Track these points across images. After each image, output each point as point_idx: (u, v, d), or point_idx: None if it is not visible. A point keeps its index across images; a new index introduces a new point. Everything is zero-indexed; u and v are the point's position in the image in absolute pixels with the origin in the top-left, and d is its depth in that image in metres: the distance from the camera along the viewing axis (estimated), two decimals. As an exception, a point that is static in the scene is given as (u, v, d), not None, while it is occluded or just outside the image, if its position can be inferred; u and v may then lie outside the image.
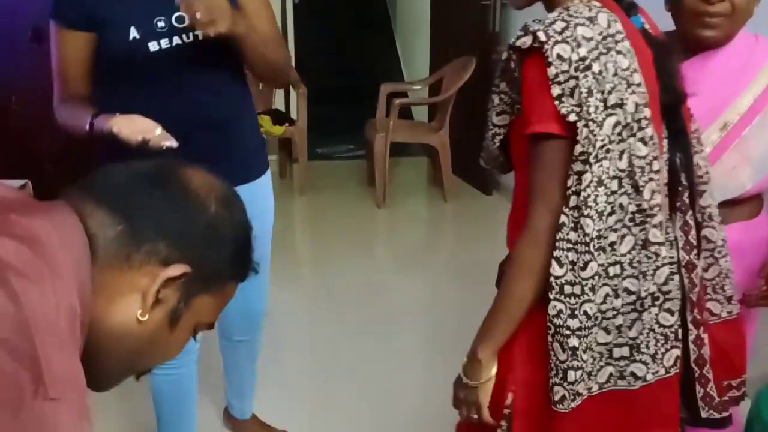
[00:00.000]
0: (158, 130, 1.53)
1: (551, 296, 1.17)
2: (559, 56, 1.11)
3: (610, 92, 1.13)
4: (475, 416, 1.30)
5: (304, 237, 4.50)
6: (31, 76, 2.89)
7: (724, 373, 1.37)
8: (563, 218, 1.15)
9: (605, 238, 1.17)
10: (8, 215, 0.71)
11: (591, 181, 1.13)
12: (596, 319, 1.19)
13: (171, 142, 1.51)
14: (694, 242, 1.29)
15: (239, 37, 1.61)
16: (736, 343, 1.42)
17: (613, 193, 1.16)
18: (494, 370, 1.26)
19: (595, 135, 1.12)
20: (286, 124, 4.68)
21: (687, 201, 1.28)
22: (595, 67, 1.12)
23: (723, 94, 1.53)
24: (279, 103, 5.03)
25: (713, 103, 1.51)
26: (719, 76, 1.53)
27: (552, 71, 1.11)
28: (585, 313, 1.17)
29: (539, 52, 1.12)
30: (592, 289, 1.17)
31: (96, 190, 0.81)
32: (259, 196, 1.92)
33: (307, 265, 3.94)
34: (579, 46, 1.11)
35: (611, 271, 1.18)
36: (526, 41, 1.13)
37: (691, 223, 1.29)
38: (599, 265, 1.17)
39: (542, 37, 1.11)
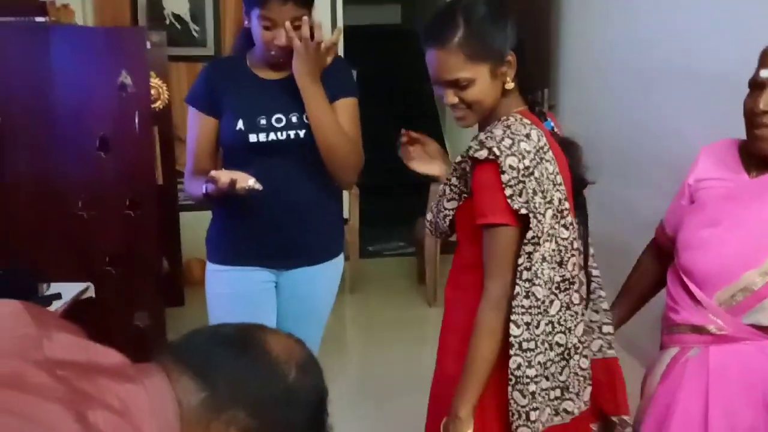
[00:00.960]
0: (251, 180, 1.84)
1: (512, 353, 1.44)
2: (510, 166, 1.42)
3: (546, 191, 1.46)
4: None
5: (354, 335, 4.48)
6: (96, 183, 3.03)
7: (610, 408, 1.66)
8: (517, 288, 1.45)
9: (544, 303, 1.48)
10: (101, 381, 0.75)
11: (538, 259, 1.45)
12: (543, 368, 1.48)
13: (256, 185, 1.84)
14: (584, 296, 1.60)
15: (306, 89, 1.96)
16: (612, 381, 1.66)
17: (552, 268, 1.48)
18: (471, 428, 1.47)
19: (541, 223, 1.45)
20: (338, 223, 4.76)
21: (581, 262, 1.59)
22: (536, 173, 1.45)
23: None
24: (331, 203, 5.12)
25: None
26: None
27: (505, 177, 1.42)
28: (538, 363, 1.46)
29: (493, 162, 1.43)
30: (543, 343, 1.47)
31: (183, 355, 0.85)
32: (326, 277, 2.17)
33: (356, 363, 3.91)
34: (523, 158, 1.43)
35: (547, 329, 1.49)
36: (483, 153, 1.43)
37: (584, 280, 1.60)
38: (546, 323, 1.48)
39: (497, 152, 1.42)
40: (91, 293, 2.74)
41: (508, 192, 1.42)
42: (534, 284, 1.45)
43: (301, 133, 2.02)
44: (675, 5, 3.24)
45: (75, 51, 3.01)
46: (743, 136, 1.56)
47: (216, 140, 2.09)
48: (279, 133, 2.02)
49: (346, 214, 4.96)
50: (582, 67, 4.18)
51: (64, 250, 3.03)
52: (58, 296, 2.59)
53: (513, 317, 1.44)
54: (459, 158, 1.52)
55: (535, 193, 1.44)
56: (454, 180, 1.55)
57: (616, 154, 3.72)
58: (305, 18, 1.95)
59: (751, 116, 1.49)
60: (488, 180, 1.44)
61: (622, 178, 3.63)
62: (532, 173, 1.44)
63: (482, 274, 1.50)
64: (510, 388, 1.45)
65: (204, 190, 1.93)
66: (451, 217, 1.58)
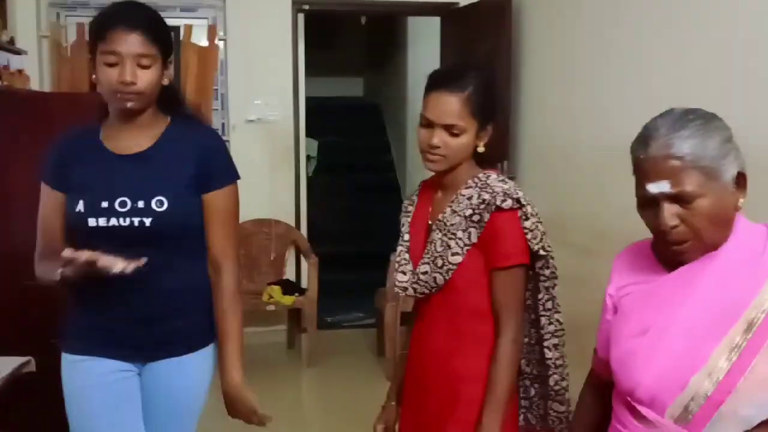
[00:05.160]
0: (119, 265, 1.63)
1: (549, 373, 1.76)
2: (531, 213, 1.69)
3: None
4: None
5: (312, 410, 4.33)
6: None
7: None
8: (543, 320, 1.75)
9: (562, 324, 1.78)
10: None
11: (556, 290, 1.76)
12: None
13: (115, 269, 1.63)
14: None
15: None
16: None
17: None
18: None
19: (553, 258, 1.73)
20: (296, 294, 4.67)
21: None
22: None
23: (737, 293, 1.29)
24: (290, 273, 5.04)
25: (727, 305, 1.29)
26: (727, 274, 1.31)
27: (528, 223, 1.68)
28: (567, 374, 1.78)
29: (516, 210, 1.68)
30: (565, 357, 1.78)
31: None
32: (194, 369, 1.92)
33: (314, 442, 3.77)
34: (532, 206, 1.70)
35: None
36: (509, 203, 1.67)
37: None
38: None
39: (522, 201, 1.69)
40: (32, 368, 2.59)
41: (529, 236, 1.68)
42: (556, 311, 1.75)
43: (147, 222, 1.77)
44: (637, 84, 3.32)
45: (28, 116, 2.95)
46: None
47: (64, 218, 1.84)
48: (121, 219, 1.77)
49: (304, 284, 4.88)
50: (542, 141, 4.24)
51: (2, 321, 2.89)
52: (-5, 371, 2.44)
53: (545, 343, 1.75)
54: (469, 212, 1.70)
55: (544, 234, 1.70)
56: (460, 234, 1.71)
57: (578, 228, 3.74)
58: (157, 62, 1.74)
59: (659, 233, 1.33)
60: (511, 225, 1.68)
61: (586, 252, 3.63)
62: (540, 221, 1.70)
63: (490, 319, 1.72)
64: (550, 402, 1.77)
65: (59, 274, 1.70)
66: (454, 270, 1.71)
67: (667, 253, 1.36)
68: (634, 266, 1.47)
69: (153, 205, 1.77)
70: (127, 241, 1.76)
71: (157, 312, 1.84)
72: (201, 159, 1.83)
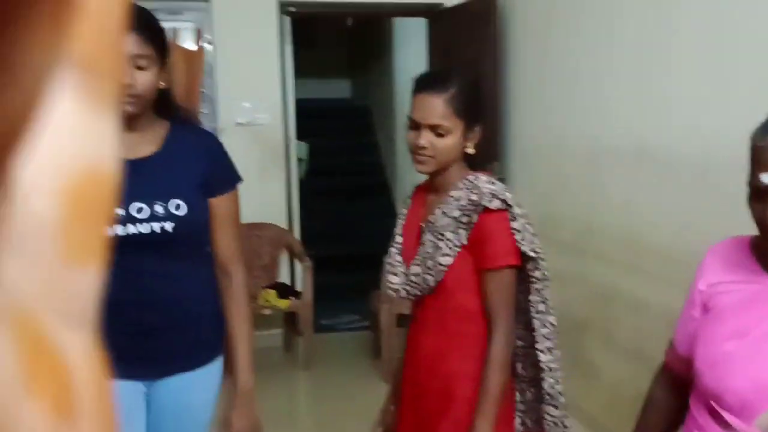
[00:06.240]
0: None
1: (543, 376, 1.73)
2: (519, 214, 1.68)
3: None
4: None
5: (308, 414, 4.33)
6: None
7: None
8: (535, 323, 1.72)
9: (555, 327, 1.76)
10: None
11: (549, 292, 1.73)
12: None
13: None
14: None
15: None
16: None
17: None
18: None
19: (543, 260, 1.71)
20: (291, 298, 4.66)
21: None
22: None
23: None
24: (284, 277, 5.03)
25: None
26: None
27: (516, 224, 1.67)
28: (561, 377, 1.76)
29: (504, 211, 1.67)
30: (560, 360, 1.75)
31: None
32: (204, 384, 1.87)
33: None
34: (521, 207, 1.71)
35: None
36: (497, 203, 1.67)
37: None
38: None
39: (510, 201, 1.68)
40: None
41: (518, 237, 1.67)
42: (549, 314, 1.73)
43: (169, 227, 1.69)
44: (626, 81, 3.34)
45: None
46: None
47: None
48: (140, 226, 1.68)
49: (298, 287, 4.87)
50: (531, 141, 4.25)
51: None
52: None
53: (537, 347, 1.72)
54: (457, 213, 1.70)
55: (534, 236, 1.70)
56: (449, 235, 1.70)
57: (567, 226, 3.75)
58: (154, 64, 1.67)
59: (763, 228, 1.25)
60: (499, 226, 1.68)
61: (575, 250, 3.65)
62: (530, 222, 1.70)
63: (481, 320, 1.71)
64: (544, 405, 1.74)
65: None
66: (445, 272, 1.71)
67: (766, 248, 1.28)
68: (730, 263, 1.38)
69: (172, 209, 1.71)
70: (140, 251, 1.68)
71: (167, 325, 1.76)
72: (208, 162, 1.80)
